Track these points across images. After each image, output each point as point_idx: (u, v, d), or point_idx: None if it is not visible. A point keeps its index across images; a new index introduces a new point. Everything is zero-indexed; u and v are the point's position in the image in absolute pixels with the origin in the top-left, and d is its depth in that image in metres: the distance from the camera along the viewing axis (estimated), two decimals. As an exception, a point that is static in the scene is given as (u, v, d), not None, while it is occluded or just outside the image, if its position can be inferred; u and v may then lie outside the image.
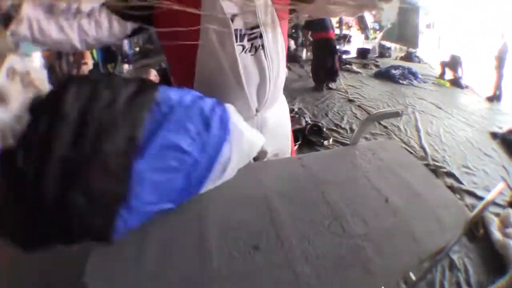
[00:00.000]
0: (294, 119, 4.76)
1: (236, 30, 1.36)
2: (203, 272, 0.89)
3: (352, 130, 4.78)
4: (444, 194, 1.10)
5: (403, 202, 1.05)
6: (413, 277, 0.79)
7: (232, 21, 1.35)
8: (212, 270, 0.89)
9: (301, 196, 1.12)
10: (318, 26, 6.81)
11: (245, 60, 1.41)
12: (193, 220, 1.06)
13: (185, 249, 0.98)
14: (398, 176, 1.17)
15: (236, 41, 1.37)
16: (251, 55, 1.42)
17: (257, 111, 1.52)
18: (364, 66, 8.26)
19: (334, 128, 4.90)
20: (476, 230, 0.92)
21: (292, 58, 9.08)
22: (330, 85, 6.78)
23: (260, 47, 1.43)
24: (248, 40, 1.41)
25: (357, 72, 7.68)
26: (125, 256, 0.98)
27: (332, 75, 6.76)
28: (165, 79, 6.34)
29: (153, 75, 6.31)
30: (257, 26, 1.40)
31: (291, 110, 5.04)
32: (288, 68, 7.93)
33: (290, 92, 6.29)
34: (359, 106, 5.53)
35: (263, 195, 1.13)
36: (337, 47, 7.59)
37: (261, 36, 1.41)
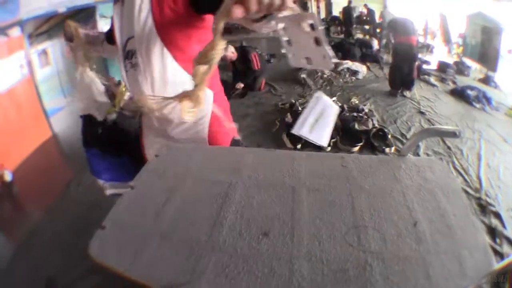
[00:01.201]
0: (362, 120, 4.70)
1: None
2: (209, 241, 0.98)
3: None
4: (476, 235, 0.96)
5: (430, 231, 0.97)
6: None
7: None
8: (217, 242, 0.97)
9: (329, 195, 1.10)
10: (401, 29, 6.69)
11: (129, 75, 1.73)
12: (218, 195, 1.15)
13: (200, 218, 1.07)
14: (436, 202, 1.08)
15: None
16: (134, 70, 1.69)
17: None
18: (442, 80, 7.94)
19: (399, 137, 4.71)
20: (503, 283, 0.84)
21: (373, 58, 8.92)
22: (404, 93, 6.55)
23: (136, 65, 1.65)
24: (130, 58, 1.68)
25: (433, 85, 7.40)
26: (145, 212, 1.12)
27: (407, 83, 6.54)
28: (243, 57, 6.38)
29: (231, 52, 6.36)
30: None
31: (361, 110, 4.94)
32: (368, 68, 7.78)
33: (364, 92, 6.20)
34: (428, 120, 5.30)
35: (292, 185, 1.15)
36: (418, 55, 7.39)
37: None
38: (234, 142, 2.05)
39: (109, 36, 2.03)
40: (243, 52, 6.45)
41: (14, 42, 6.48)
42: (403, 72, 6.53)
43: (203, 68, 1.21)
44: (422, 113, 5.60)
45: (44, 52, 9.96)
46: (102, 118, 2.28)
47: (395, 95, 6.56)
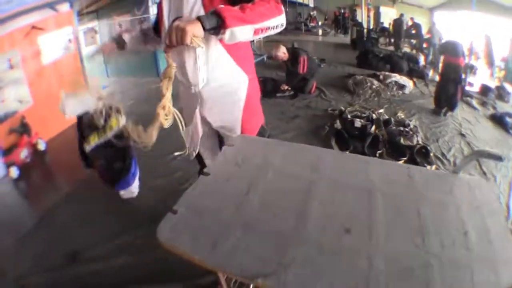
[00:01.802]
0: (407, 136, 4.68)
1: None
2: (294, 234, 1.01)
3: (455, 164, 4.52)
4: (510, 251, 1.08)
5: (477, 242, 1.08)
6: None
7: None
8: (302, 235, 1.01)
9: (400, 201, 1.21)
10: (451, 50, 6.67)
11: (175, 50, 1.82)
12: (300, 189, 1.21)
13: (284, 210, 1.10)
14: (482, 217, 1.20)
15: None
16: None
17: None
18: (483, 104, 7.82)
19: (440, 156, 4.65)
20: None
21: (419, 74, 8.85)
22: (447, 113, 6.49)
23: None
24: None
25: (475, 108, 7.31)
26: (226, 200, 1.17)
27: (451, 104, 6.48)
28: (293, 59, 6.39)
29: (282, 52, 6.42)
30: None
31: (407, 125, 4.94)
32: (414, 83, 7.74)
33: (410, 107, 6.22)
34: (468, 143, 5.24)
35: (368, 188, 1.24)
36: (463, 76, 7.37)
37: None
38: (262, 130, 2.24)
39: (156, 27, 2.23)
40: (293, 54, 6.47)
41: (63, 17, 6.63)
42: (449, 92, 6.51)
43: (165, 82, 1.70)
44: (462, 135, 5.53)
45: (91, 31, 10.25)
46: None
47: (438, 113, 6.51)
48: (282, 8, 1.70)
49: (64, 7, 6.65)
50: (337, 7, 17.61)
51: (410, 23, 12.60)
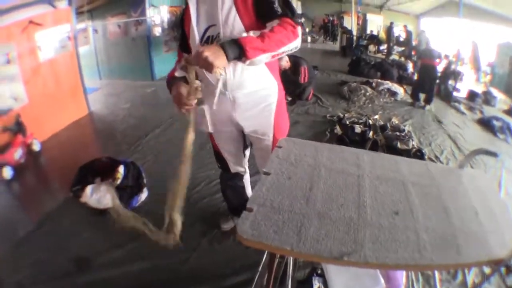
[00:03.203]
0: (404, 140, 4.96)
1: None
2: (360, 218, 1.21)
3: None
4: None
5: (486, 218, 1.35)
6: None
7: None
8: (365, 218, 1.22)
9: (425, 188, 1.47)
10: (427, 54, 7.90)
11: None
12: (352, 183, 1.43)
13: (346, 200, 1.31)
14: (488, 200, 1.49)
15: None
16: None
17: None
18: (470, 108, 8.15)
19: (434, 159, 4.93)
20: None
21: (408, 81, 9.26)
22: (425, 107, 7.25)
23: None
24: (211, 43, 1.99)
25: (463, 113, 7.64)
26: (294, 195, 1.33)
27: (428, 98, 7.45)
28: (294, 67, 6.56)
29: (285, 61, 6.60)
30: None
31: (402, 130, 5.21)
32: (404, 90, 8.04)
33: (402, 113, 6.58)
34: (458, 147, 5.49)
35: (401, 180, 1.49)
36: (449, 82, 8.67)
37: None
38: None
39: (182, 44, 2.29)
40: (294, 63, 6.66)
41: (61, 14, 6.61)
42: (425, 88, 7.51)
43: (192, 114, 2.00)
44: (452, 139, 5.78)
45: (84, 30, 10.21)
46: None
47: (413, 105, 7.33)
48: (299, 31, 1.85)
49: (63, 4, 6.64)
50: (326, 14, 17.88)
51: (403, 30, 12.88)
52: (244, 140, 2.48)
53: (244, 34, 1.78)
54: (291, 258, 1.60)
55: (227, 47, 1.65)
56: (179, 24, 2.29)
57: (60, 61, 6.64)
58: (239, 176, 2.78)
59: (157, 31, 9.95)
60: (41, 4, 6.14)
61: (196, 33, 2.01)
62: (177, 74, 2.10)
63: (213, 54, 1.61)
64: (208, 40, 2.02)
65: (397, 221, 1.20)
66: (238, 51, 1.66)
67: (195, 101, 1.96)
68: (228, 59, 1.66)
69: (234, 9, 1.91)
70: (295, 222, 1.16)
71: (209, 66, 1.63)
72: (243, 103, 2.13)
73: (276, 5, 1.84)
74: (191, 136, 2.01)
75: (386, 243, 1.10)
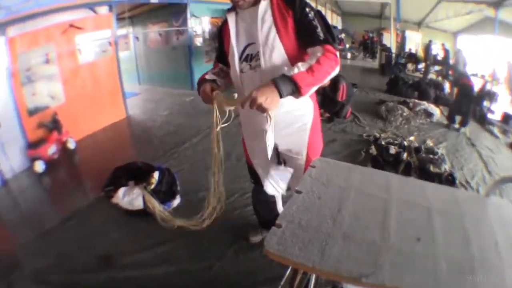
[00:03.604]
0: (436, 163, 4.89)
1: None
2: (382, 242, 1.25)
3: (478, 191, 4.69)
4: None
5: (505, 250, 1.31)
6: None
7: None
8: (388, 242, 1.25)
9: (450, 216, 1.47)
10: (465, 73, 8.19)
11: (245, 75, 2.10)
12: (379, 207, 1.46)
13: (371, 223, 1.35)
14: (509, 231, 1.45)
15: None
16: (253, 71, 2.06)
17: None
18: (504, 132, 7.94)
19: (464, 184, 4.80)
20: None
21: (445, 101, 8.97)
22: (459, 129, 6.94)
23: (257, 67, 2.03)
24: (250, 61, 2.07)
25: (496, 137, 7.45)
26: (322, 215, 1.39)
27: (464, 120, 7.14)
28: (333, 84, 6.60)
29: None
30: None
31: (436, 153, 5.15)
32: (440, 111, 7.90)
33: (437, 135, 6.44)
34: (489, 171, 5.36)
35: (427, 206, 1.50)
36: (484, 103, 8.50)
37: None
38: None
39: (219, 56, 2.38)
40: (334, 81, 6.65)
41: (101, 19, 6.85)
42: (462, 110, 7.18)
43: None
44: (484, 163, 5.67)
45: (125, 36, 10.47)
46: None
47: (449, 127, 7.03)
48: (338, 57, 1.90)
49: (104, 10, 6.87)
50: (365, 30, 17.70)
51: (441, 49, 12.67)
52: (278, 157, 2.48)
53: (285, 56, 1.93)
54: (313, 275, 1.64)
55: (281, 85, 1.70)
56: (217, 37, 2.37)
57: (100, 64, 6.87)
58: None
59: (198, 41, 10.07)
60: (81, 9, 6.37)
61: (235, 51, 2.06)
62: (207, 77, 2.22)
63: (268, 99, 1.67)
64: (247, 58, 2.07)
65: (418, 247, 1.23)
66: (291, 89, 1.72)
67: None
68: (282, 97, 1.72)
69: (274, 29, 1.94)
70: (320, 241, 1.22)
71: (263, 110, 1.70)
72: (279, 121, 2.09)
73: (319, 30, 1.88)
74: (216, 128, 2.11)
75: (404, 268, 1.14)
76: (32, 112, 5.47)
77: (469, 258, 1.23)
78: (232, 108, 1.99)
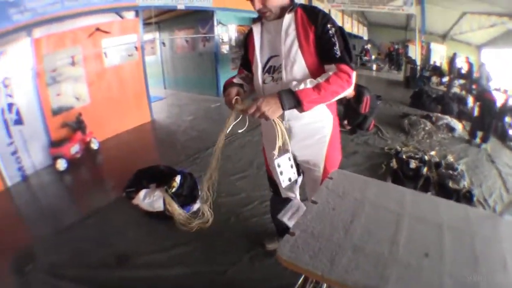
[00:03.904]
0: (456, 179, 4.85)
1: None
2: (390, 255, 1.28)
3: (495, 209, 4.62)
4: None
5: None
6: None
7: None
8: (396, 256, 1.27)
9: (461, 234, 1.47)
10: (488, 88, 7.96)
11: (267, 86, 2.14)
12: (391, 221, 1.49)
13: (381, 236, 1.38)
14: None
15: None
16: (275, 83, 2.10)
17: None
18: (530, 148, 7.81)
19: (482, 201, 4.72)
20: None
21: (467, 116, 8.85)
22: (480, 145, 6.82)
23: (279, 79, 2.06)
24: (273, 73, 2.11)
25: (521, 154, 7.33)
26: (334, 225, 1.44)
27: (485, 136, 7.01)
28: (357, 96, 6.57)
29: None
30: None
31: (455, 169, 5.10)
32: (463, 126, 7.81)
33: (458, 151, 6.35)
34: (507, 189, 5.28)
35: (438, 222, 1.52)
36: (506, 119, 8.06)
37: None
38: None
39: (244, 63, 2.39)
40: (358, 92, 6.59)
41: (128, 24, 7.02)
42: (484, 125, 7.08)
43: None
44: (503, 181, 5.58)
45: (152, 41, 10.67)
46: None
47: (470, 143, 6.93)
48: (353, 78, 1.91)
49: (130, 15, 7.03)
50: (391, 42, 17.57)
51: (465, 62, 12.52)
52: (298, 167, 2.47)
53: (306, 70, 1.96)
54: (325, 285, 1.67)
55: (284, 98, 1.78)
56: (243, 44, 2.42)
57: (126, 68, 7.03)
58: (288, 201, 2.69)
59: (225, 48, 10.16)
60: (108, 13, 6.53)
61: (259, 62, 2.11)
62: (235, 80, 2.24)
63: (270, 109, 1.78)
64: (270, 70, 2.10)
65: (425, 263, 1.25)
66: (294, 103, 1.80)
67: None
68: (284, 109, 1.80)
69: (296, 43, 1.97)
70: (331, 251, 1.27)
71: (266, 118, 1.80)
72: (298, 133, 2.17)
73: (337, 47, 1.90)
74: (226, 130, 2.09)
75: (409, 283, 1.16)
76: (56, 112, 5.64)
77: (475, 277, 1.24)
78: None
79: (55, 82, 5.61)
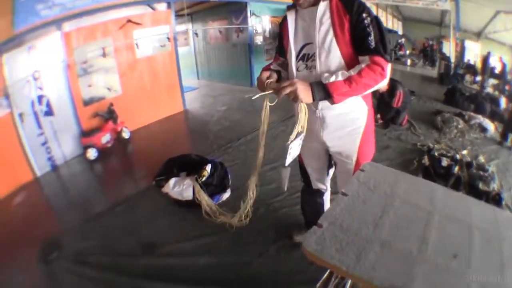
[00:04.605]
0: (486, 181, 4.76)
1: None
2: (418, 254, 1.25)
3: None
4: None
5: None
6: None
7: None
8: (424, 255, 1.25)
9: (489, 235, 1.43)
10: None
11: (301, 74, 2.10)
12: (421, 218, 1.46)
13: (410, 234, 1.35)
14: None
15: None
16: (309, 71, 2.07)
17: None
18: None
19: (510, 206, 4.59)
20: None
21: (500, 118, 8.65)
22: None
23: (313, 67, 2.03)
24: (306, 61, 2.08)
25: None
26: (364, 220, 1.41)
27: None
28: (391, 90, 6.54)
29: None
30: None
31: (486, 170, 5.02)
32: (495, 127, 7.64)
33: (490, 152, 6.18)
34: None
35: (468, 223, 1.48)
36: None
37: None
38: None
39: (279, 50, 2.36)
40: (392, 86, 6.60)
41: (160, 15, 7.11)
42: None
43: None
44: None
45: (184, 32, 10.77)
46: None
47: (501, 144, 6.74)
48: (388, 70, 1.88)
49: (162, 6, 7.12)
50: (426, 37, 17.24)
51: (498, 61, 12.25)
52: (330, 159, 2.48)
53: (341, 60, 1.95)
54: (349, 281, 1.66)
55: (316, 90, 1.79)
56: (278, 30, 2.39)
57: (158, 58, 7.14)
58: (319, 193, 2.77)
59: (259, 39, 10.20)
60: (139, 5, 6.67)
61: (293, 49, 2.09)
62: (272, 67, 2.25)
63: (303, 91, 1.77)
64: (304, 57, 2.08)
65: (453, 264, 1.22)
66: (324, 96, 1.80)
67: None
68: (314, 100, 1.79)
69: (331, 32, 1.94)
70: (357, 245, 1.26)
71: (295, 99, 1.78)
72: (331, 123, 2.16)
73: (371, 38, 1.86)
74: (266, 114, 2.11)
75: (436, 284, 1.14)
76: (87, 103, 5.79)
77: (500, 283, 1.21)
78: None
79: (86, 73, 5.75)
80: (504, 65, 11.90)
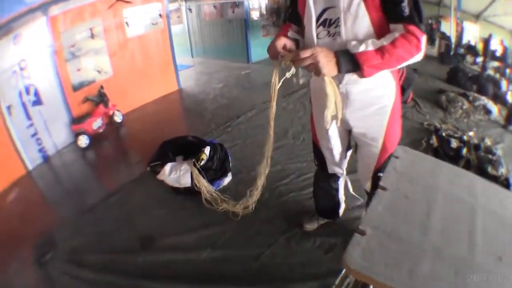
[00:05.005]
0: (495, 164, 4.69)
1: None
2: (468, 260, 1.11)
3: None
4: None
5: None
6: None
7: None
8: (474, 261, 1.10)
9: None
10: None
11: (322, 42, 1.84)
12: (465, 216, 1.31)
13: (458, 236, 1.20)
14: None
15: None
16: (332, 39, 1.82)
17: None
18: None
19: None
20: None
21: (501, 100, 8.60)
22: None
23: (337, 34, 1.78)
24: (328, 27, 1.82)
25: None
26: (409, 220, 1.25)
27: None
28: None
29: None
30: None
31: (494, 154, 4.95)
32: (498, 110, 7.57)
33: (495, 135, 6.08)
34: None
35: (509, 218, 1.34)
36: None
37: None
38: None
39: (291, 15, 2.08)
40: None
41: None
42: None
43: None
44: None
45: (177, 10, 10.60)
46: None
47: (505, 128, 6.66)
48: (423, 43, 1.67)
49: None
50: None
51: (499, 44, 12.25)
52: (349, 140, 2.31)
53: (371, 27, 1.70)
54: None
55: (342, 61, 1.58)
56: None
57: (150, 37, 6.94)
58: (334, 178, 2.58)
59: (255, 15, 10.04)
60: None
61: (313, 13, 1.82)
62: (289, 34, 1.99)
63: (326, 63, 1.55)
64: (325, 23, 1.82)
65: (499, 269, 1.08)
66: (352, 66, 1.59)
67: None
68: (340, 72, 1.59)
69: None
70: (408, 258, 1.08)
71: (317, 71, 1.58)
72: (356, 100, 1.95)
73: (405, 4, 1.60)
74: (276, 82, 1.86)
75: None
76: (76, 88, 5.58)
77: None
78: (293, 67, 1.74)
79: (74, 57, 5.53)
80: (505, 48, 11.90)
